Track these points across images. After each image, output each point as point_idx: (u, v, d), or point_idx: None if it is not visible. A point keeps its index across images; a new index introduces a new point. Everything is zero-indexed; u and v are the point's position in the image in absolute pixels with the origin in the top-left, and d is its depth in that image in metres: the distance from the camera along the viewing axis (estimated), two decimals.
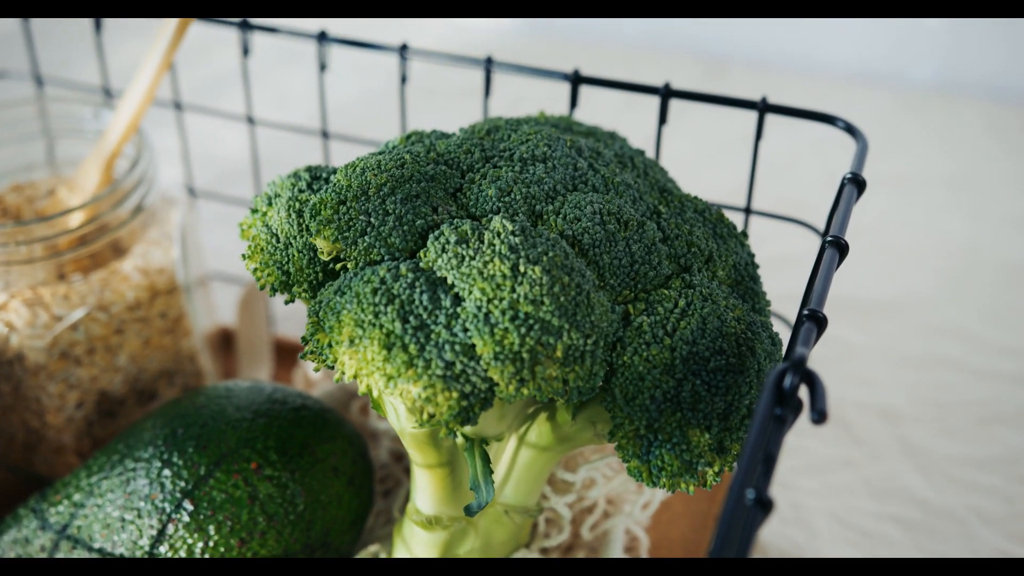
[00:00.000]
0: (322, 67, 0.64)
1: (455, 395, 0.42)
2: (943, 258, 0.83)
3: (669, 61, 1.05)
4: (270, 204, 0.50)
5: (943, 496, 0.64)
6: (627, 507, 0.57)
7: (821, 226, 0.59)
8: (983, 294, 0.79)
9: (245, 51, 0.64)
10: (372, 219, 0.45)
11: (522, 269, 0.42)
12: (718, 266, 0.48)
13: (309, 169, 0.51)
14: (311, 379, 0.69)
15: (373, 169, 0.46)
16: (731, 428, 0.44)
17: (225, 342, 0.74)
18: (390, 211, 0.45)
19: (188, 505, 0.51)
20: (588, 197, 0.47)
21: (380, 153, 0.49)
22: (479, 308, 0.42)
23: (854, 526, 0.63)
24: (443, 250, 0.43)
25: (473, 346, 0.42)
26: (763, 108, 0.55)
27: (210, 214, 0.82)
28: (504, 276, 0.42)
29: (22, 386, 0.60)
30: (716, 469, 0.44)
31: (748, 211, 0.58)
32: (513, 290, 0.42)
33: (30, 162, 0.66)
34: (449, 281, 0.43)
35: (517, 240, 0.43)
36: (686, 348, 0.44)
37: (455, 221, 0.45)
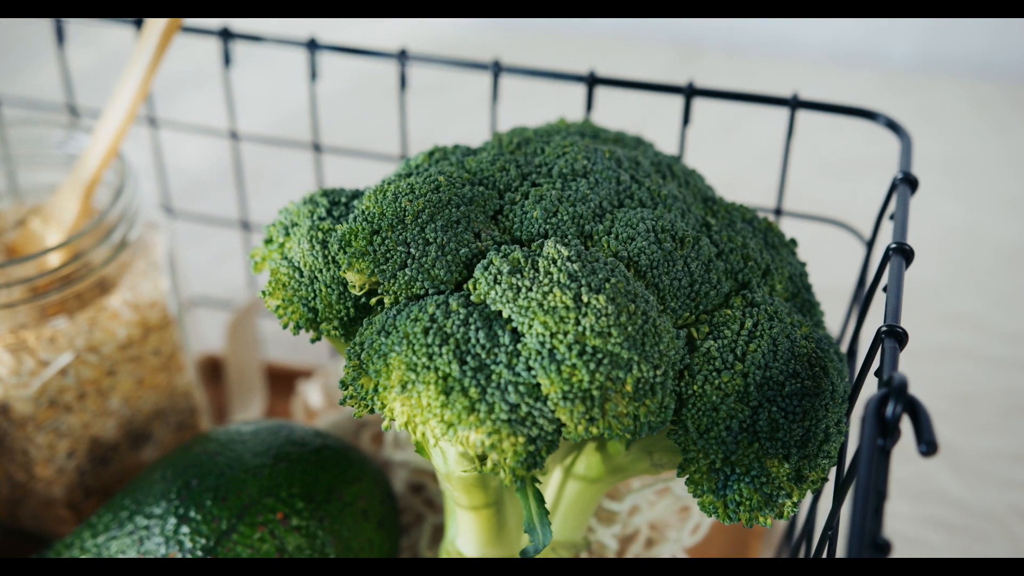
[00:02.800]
0: (313, 76, 0.59)
1: (522, 440, 0.38)
2: (943, 244, 0.81)
3: (643, 50, 1.02)
4: (287, 234, 0.46)
5: (980, 495, 0.62)
6: (671, 533, 0.54)
7: (855, 226, 0.56)
8: (988, 279, 0.78)
9: (227, 61, 0.60)
10: (412, 249, 0.41)
11: (585, 299, 0.39)
12: (775, 279, 0.45)
13: (326, 193, 0.47)
14: (312, 409, 0.65)
15: (407, 194, 0.43)
16: (809, 455, 0.41)
17: (213, 371, 0.70)
18: (431, 240, 0.41)
19: None
20: (639, 213, 0.43)
21: (407, 175, 0.45)
22: (542, 344, 0.38)
23: (893, 532, 0.61)
24: (495, 281, 0.40)
25: (538, 386, 0.39)
26: (795, 104, 0.52)
27: (178, 232, 0.78)
28: (567, 308, 0.39)
29: (7, 438, 0.55)
30: (795, 500, 0.41)
31: (779, 212, 0.56)
32: (578, 322, 0.39)
33: None
34: (505, 315, 0.39)
35: (575, 267, 0.40)
36: (759, 373, 0.41)
37: (502, 248, 0.41)
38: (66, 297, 0.54)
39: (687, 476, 0.42)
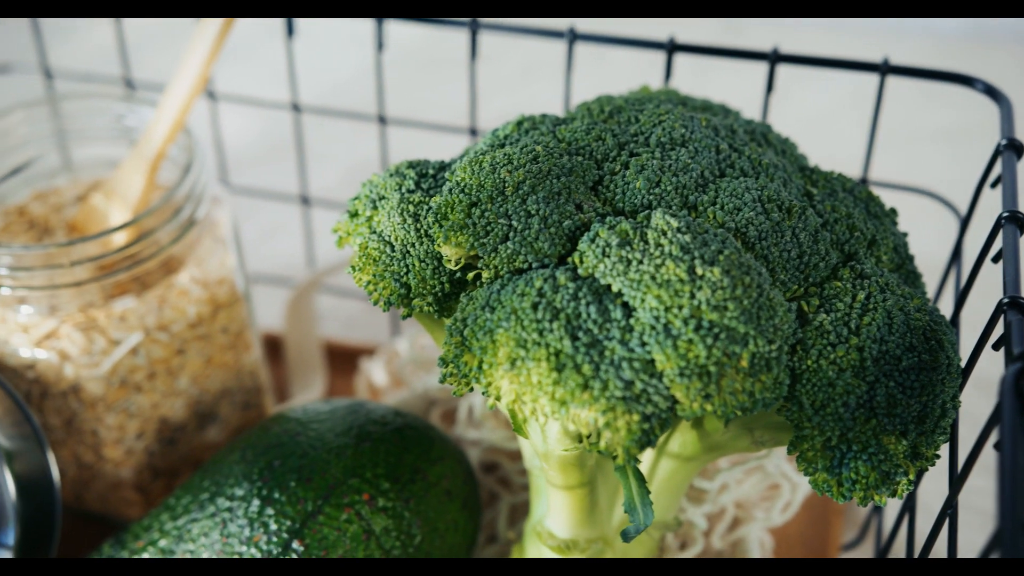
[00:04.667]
0: (380, 46, 0.58)
1: (636, 418, 0.37)
2: None
3: (689, 20, 1.00)
4: (375, 207, 0.44)
5: None
6: (757, 512, 0.53)
7: (943, 195, 0.55)
8: None
9: (290, 32, 0.58)
10: (513, 222, 0.40)
11: (699, 272, 0.38)
12: (881, 250, 0.44)
13: (412, 165, 0.45)
14: (376, 387, 0.64)
15: (505, 165, 0.41)
16: (926, 432, 0.40)
17: (270, 350, 0.68)
18: (533, 212, 0.40)
19: (297, 546, 0.46)
20: (743, 183, 0.42)
21: (499, 145, 0.44)
22: (656, 318, 0.37)
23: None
24: (604, 254, 0.39)
25: (652, 362, 0.37)
26: (885, 70, 0.51)
27: None
28: (681, 281, 0.37)
29: (76, 419, 0.54)
30: (911, 477, 0.40)
31: (864, 183, 0.54)
32: (692, 296, 0.37)
33: (51, 168, 0.60)
34: (615, 289, 0.38)
35: (687, 238, 0.38)
36: (875, 347, 0.39)
37: (607, 219, 0.40)
38: (134, 276, 0.52)
39: (798, 453, 0.40)
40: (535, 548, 0.48)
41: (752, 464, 0.51)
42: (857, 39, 0.97)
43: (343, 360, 0.69)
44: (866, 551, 0.57)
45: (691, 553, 0.50)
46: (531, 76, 0.94)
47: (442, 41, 0.96)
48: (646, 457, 0.47)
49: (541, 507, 0.48)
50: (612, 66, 0.95)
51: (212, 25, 0.53)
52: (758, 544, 0.51)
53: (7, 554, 0.49)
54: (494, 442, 0.56)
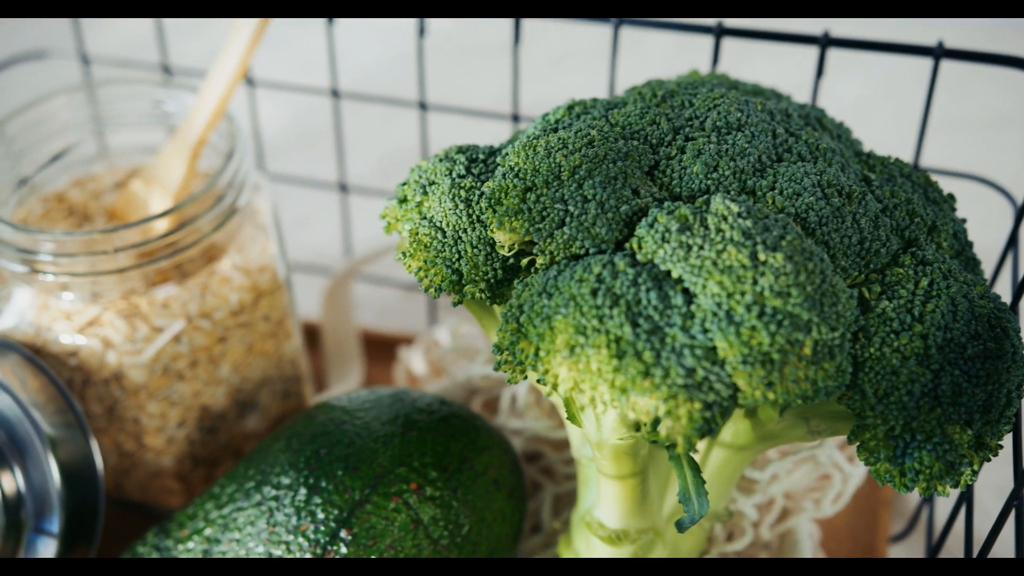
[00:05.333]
0: (421, 32, 0.57)
1: (698, 406, 0.36)
2: None
3: None
4: (425, 193, 0.44)
5: None
6: (806, 503, 0.52)
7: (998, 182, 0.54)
8: None
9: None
10: (570, 207, 0.39)
11: (762, 257, 0.37)
12: (941, 236, 0.43)
13: (462, 150, 0.44)
14: (416, 376, 0.63)
15: (560, 149, 0.41)
16: (991, 421, 0.39)
17: (309, 340, 0.68)
18: (589, 197, 0.39)
19: (345, 535, 0.46)
20: (801, 168, 0.41)
21: (552, 130, 0.43)
22: (718, 305, 0.36)
23: None
24: (663, 239, 0.38)
25: (714, 349, 0.37)
26: (940, 54, 0.50)
27: None
28: (743, 267, 0.37)
29: (118, 407, 0.53)
30: (976, 468, 0.39)
31: (916, 169, 0.53)
32: (755, 282, 0.37)
33: (89, 154, 0.59)
34: (675, 275, 0.37)
35: (748, 223, 0.38)
36: (939, 335, 0.39)
37: (665, 204, 0.39)
38: (176, 263, 0.52)
39: (859, 443, 0.40)
40: (584, 539, 0.48)
41: (804, 454, 0.50)
42: (876, 25, 0.96)
43: (379, 349, 0.68)
44: (916, 543, 0.57)
45: (739, 544, 0.50)
46: (561, 65, 0.93)
47: (473, 28, 0.95)
48: (699, 447, 0.46)
49: (590, 497, 0.48)
50: (644, 54, 0.94)
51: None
52: (808, 535, 0.50)
53: (52, 542, 0.49)
54: (537, 431, 0.56)
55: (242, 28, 0.53)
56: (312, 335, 0.68)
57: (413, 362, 0.63)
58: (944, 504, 0.58)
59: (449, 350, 0.60)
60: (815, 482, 0.52)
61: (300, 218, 0.79)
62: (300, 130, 0.88)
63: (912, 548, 0.57)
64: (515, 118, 0.59)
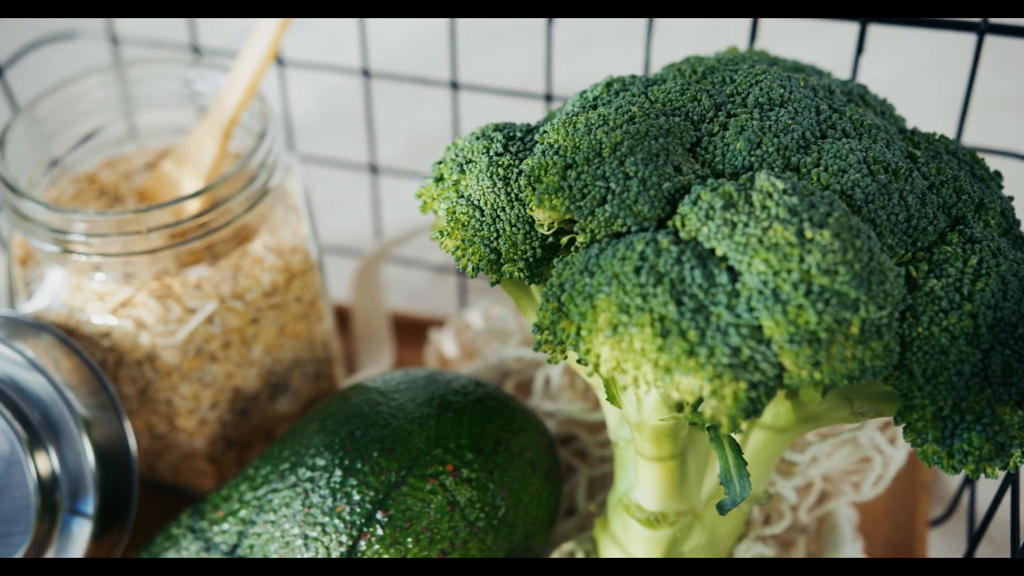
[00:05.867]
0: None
1: (744, 386, 0.36)
2: None
3: None
4: (462, 171, 0.43)
5: None
6: (845, 486, 0.51)
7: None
8: None
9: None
10: (611, 184, 0.39)
11: (808, 235, 0.36)
12: (989, 214, 0.42)
13: (499, 128, 0.44)
14: (447, 359, 0.63)
15: (600, 126, 0.40)
16: None
17: (339, 322, 0.67)
18: (631, 174, 0.39)
19: (381, 517, 0.45)
20: (846, 144, 0.40)
21: (591, 107, 0.42)
22: (764, 283, 0.36)
23: None
24: (707, 217, 0.37)
25: (760, 328, 0.36)
26: (984, 29, 0.49)
27: None
28: (790, 244, 0.36)
29: (151, 388, 0.53)
30: None
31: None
32: (802, 260, 0.36)
33: (119, 135, 0.59)
34: (719, 253, 0.37)
35: (794, 200, 0.37)
36: (989, 313, 0.38)
37: (709, 182, 0.38)
38: (208, 244, 0.52)
39: (906, 424, 0.39)
40: (621, 521, 0.47)
41: (844, 436, 0.49)
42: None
43: (410, 332, 0.68)
44: (956, 528, 0.56)
45: (777, 528, 0.49)
46: (589, 45, 0.93)
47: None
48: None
49: (627, 479, 0.47)
50: (674, 32, 0.93)
51: None
52: (846, 519, 0.50)
53: (87, 523, 0.49)
54: (571, 413, 0.55)
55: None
56: (343, 318, 0.68)
57: (444, 344, 0.63)
58: (984, 489, 0.57)
59: (481, 332, 0.60)
60: (854, 465, 0.51)
61: (330, 201, 0.79)
62: (329, 113, 0.87)
63: (952, 533, 0.56)
64: (548, 97, 0.58)
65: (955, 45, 0.85)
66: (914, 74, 0.88)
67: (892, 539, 0.54)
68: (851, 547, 0.49)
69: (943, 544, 0.55)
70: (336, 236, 0.75)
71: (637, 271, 0.37)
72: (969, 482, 0.53)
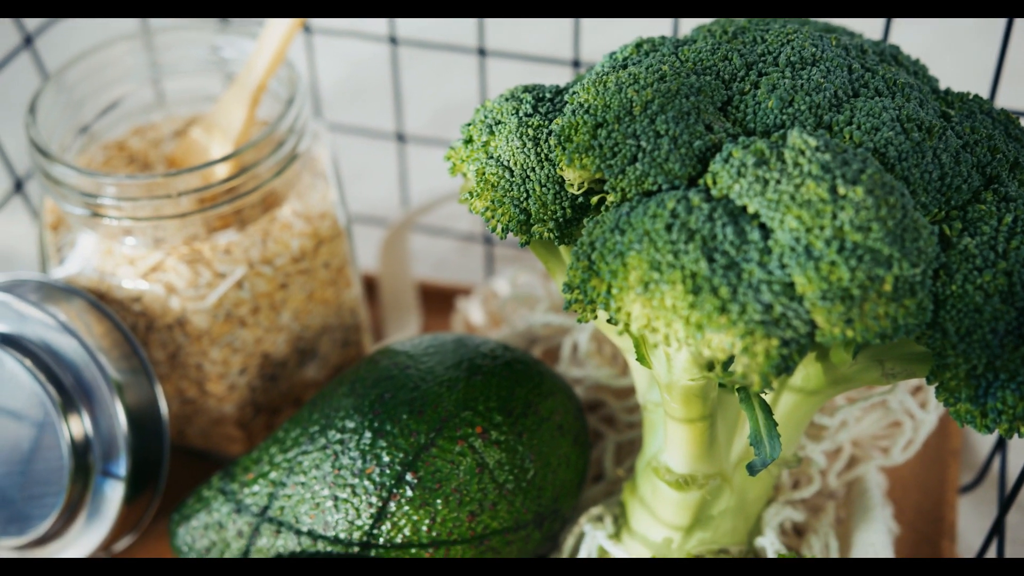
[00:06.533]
0: None
1: (775, 343, 0.35)
2: None
3: None
4: (491, 132, 0.43)
5: None
6: (875, 451, 0.51)
7: None
8: None
9: None
10: (642, 142, 0.38)
11: (841, 191, 0.36)
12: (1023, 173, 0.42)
13: (528, 89, 0.44)
14: (474, 326, 0.63)
15: (631, 84, 0.40)
16: None
17: (366, 291, 0.68)
18: (662, 132, 0.38)
19: (411, 478, 0.46)
20: (879, 103, 0.40)
21: (623, 66, 0.42)
22: (797, 240, 0.36)
23: None
24: (739, 174, 0.37)
25: (792, 285, 0.36)
26: None
27: None
28: (823, 201, 0.36)
29: (181, 353, 0.53)
30: None
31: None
32: (835, 216, 0.36)
33: (147, 102, 0.59)
34: (751, 210, 0.37)
35: (827, 157, 0.37)
36: None
37: (741, 139, 0.38)
38: (236, 209, 0.52)
39: (939, 383, 0.39)
40: (650, 484, 0.47)
41: (874, 400, 0.49)
42: None
43: (436, 300, 0.68)
44: (986, 495, 0.56)
45: (806, 492, 0.49)
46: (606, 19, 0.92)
47: None
48: (768, 391, 0.45)
49: (655, 443, 0.47)
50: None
51: None
52: (876, 485, 0.50)
53: (120, 485, 0.50)
54: (599, 379, 0.55)
55: None
56: (371, 287, 0.68)
57: (471, 312, 0.63)
58: (1015, 455, 0.56)
59: (509, 299, 0.60)
60: (884, 430, 0.51)
61: (357, 171, 0.79)
62: (357, 85, 0.87)
63: (982, 499, 0.56)
64: (576, 63, 0.58)
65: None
66: (947, 40, 0.87)
67: (922, 505, 0.54)
68: (880, 512, 0.49)
69: (973, 511, 0.55)
70: (364, 206, 0.75)
71: (668, 228, 0.36)
72: (1000, 448, 0.53)
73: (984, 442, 0.58)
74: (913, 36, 0.87)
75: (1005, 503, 0.48)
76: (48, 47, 0.67)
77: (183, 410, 0.57)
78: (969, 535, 0.54)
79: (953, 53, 0.85)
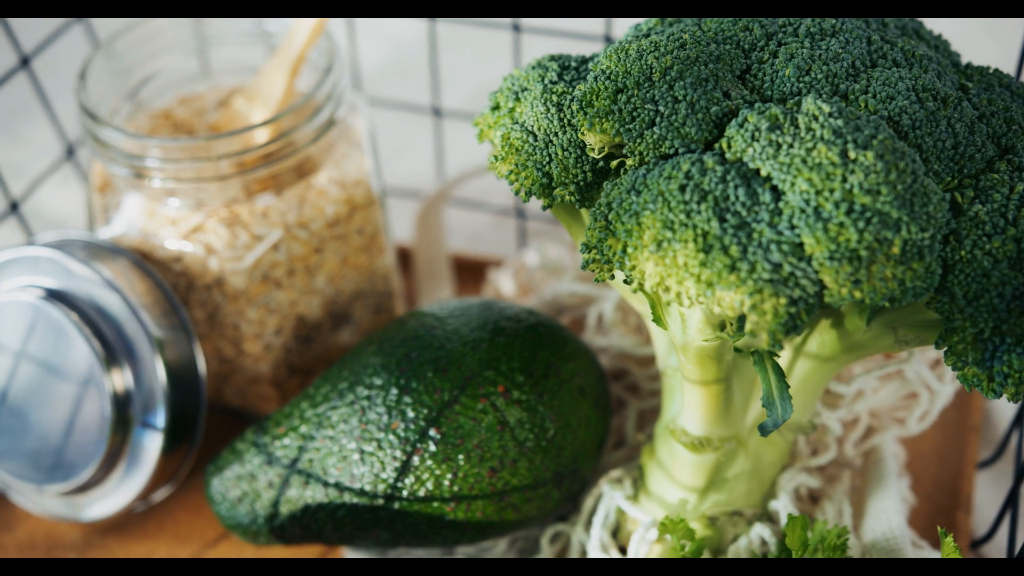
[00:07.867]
0: None
1: (784, 301, 0.37)
2: None
3: None
4: (517, 99, 0.44)
5: None
6: (891, 422, 0.52)
7: None
8: None
9: None
10: (660, 107, 0.40)
11: (852, 155, 0.37)
12: None
13: (554, 58, 0.45)
14: (504, 297, 0.64)
15: (651, 52, 0.41)
16: None
17: (402, 262, 0.69)
18: (680, 97, 0.40)
19: (434, 434, 0.47)
20: (896, 73, 0.41)
21: (645, 35, 0.43)
22: (807, 202, 0.37)
23: None
24: (753, 138, 0.38)
25: (801, 245, 0.37)
26: None
27: None
28: (833, 164, 0.37)
29: (219, 313, 0.56)
30: None
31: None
32: (844, 179, 0.37)
33: (191, 73, 0.61)
34: (764, 173, 0.38)
35: (839, 123, 0.38)
36: None
37: (757, 105, 0.39)
38: (274, 174, 0.54)
39: (947, 347, 0.40)
40: (667, 446, 0.48)
41: (890, 369, 0.50)
42: None
43: (470, 272, 0.69)
44: (1005, 469, 0.56)
45: (823, 459, 0.50)
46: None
47: None
48: (784, 356, 0.46)
49: (674, 407, 0.49)
50: None
51: None
52: (892, 456, 0.50)
53: (158, 436, 0.52)
54: (623, 348, 0.57)
55: None
56: (405, 259, 0.70)
57: (502, 283, 0.64)
58: None
59: (537, 268, 0.61)
60: (901, 401, 0.52)
61: (395, 147, 0.81)
62: (396, 66, 0.89)
63: (1000, 474, 0.56)
64: (607, 39, 0.59)
65: None
66: (966, 36, 0.87)
67: (940, 479, 0.55)
68: (895, 481, 0.50)
69: (990, 485, 0.56)
70: (403, 180, 0.77)
71: (682, 189, 0.38)
72: (1018, 423, 0.54)
73: (1004, 418, 0.58)
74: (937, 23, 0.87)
75: (1019, 474, 0.48)
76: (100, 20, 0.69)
77: (221, 369, 0.59)
78: (986, 509, 0.55)
79: (984, 36, 0.85)
